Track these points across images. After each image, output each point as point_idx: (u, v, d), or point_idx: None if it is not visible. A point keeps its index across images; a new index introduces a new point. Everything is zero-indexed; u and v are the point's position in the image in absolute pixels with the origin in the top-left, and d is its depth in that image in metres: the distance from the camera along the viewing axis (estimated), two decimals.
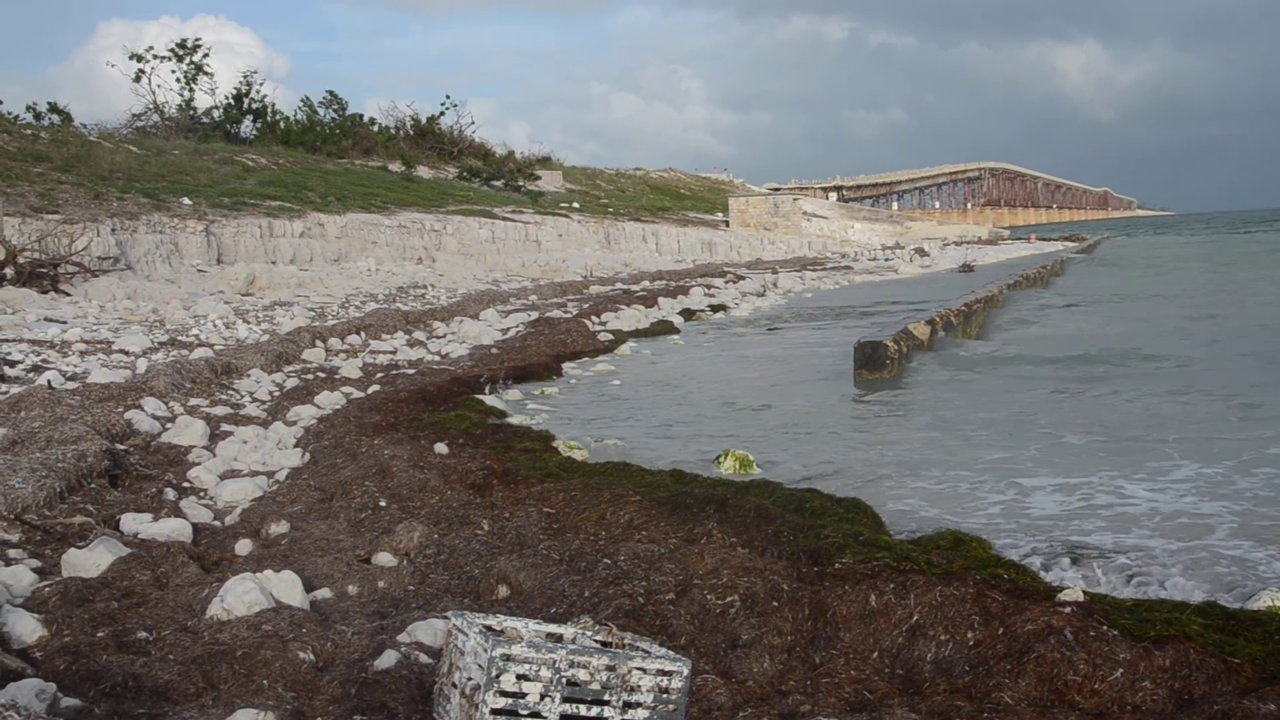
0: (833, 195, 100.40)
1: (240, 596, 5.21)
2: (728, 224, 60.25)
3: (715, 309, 25.92)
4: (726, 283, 33.42)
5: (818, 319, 24.15)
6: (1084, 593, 5.05)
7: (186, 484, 8.28)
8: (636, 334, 20.23)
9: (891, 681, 4.58)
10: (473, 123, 62.41)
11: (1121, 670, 4.29)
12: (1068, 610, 4.68)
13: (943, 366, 15.39)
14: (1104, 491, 8.01)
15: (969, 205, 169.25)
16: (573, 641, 4.10)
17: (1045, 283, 35.18)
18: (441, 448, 8.86)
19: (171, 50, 45.47)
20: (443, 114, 59.79)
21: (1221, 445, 9.39)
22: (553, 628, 4.22)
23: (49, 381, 11.07)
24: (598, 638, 4.15)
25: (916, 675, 4.58)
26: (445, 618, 4.59)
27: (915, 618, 4.79)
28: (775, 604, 5.09)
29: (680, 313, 24.10)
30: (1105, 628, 4.50)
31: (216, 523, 7.41)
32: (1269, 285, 30.59)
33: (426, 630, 4.93)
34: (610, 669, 3.85)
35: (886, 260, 51.32)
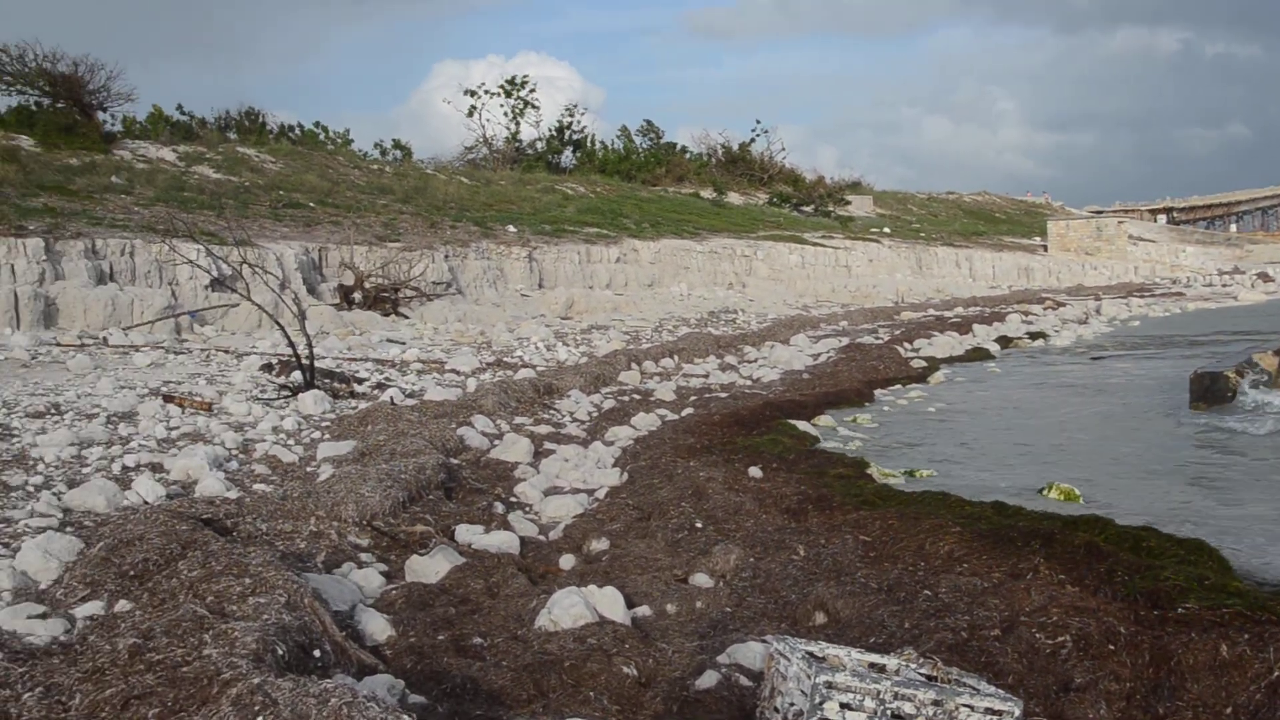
0: (1161, 218, 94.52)
1: (566, 609, 5.40)
2: (1045, 249, 57.84)
3: (1033, 336, 24.91)
4: (1045, 309, 32.07)
5: (1146, 348, 22.79)
6: None
7: (513, 498, 8.68)
8: (950, 361, 19.73)
9: None
10: (783, 149, 62.81)
11: None
12: None
13: None
14: None
15: None
16: (896, 673, 4.02)
17: None
18: (755, 471, 8.91)
19: (501, 86, 48.29)
20: (753, 141, 60.40)
21: None
22: (875, 658, 4.15)
23: (391, 398, 11.90)
24: (922, 671, 4.05)
25: None
26: (765, 641, 4.60)
27: (1276, 674, 4.41)
28: (1111, 647, 4.81)
29: (996, 339, 23.32)
30: None
31: (541, 537, 7.72)
32: None
33: (746, 653, 4.95)
34: (936, 704, 3.74)
35: (1224, 286, 47.94)
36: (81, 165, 24.38)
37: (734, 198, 50.91)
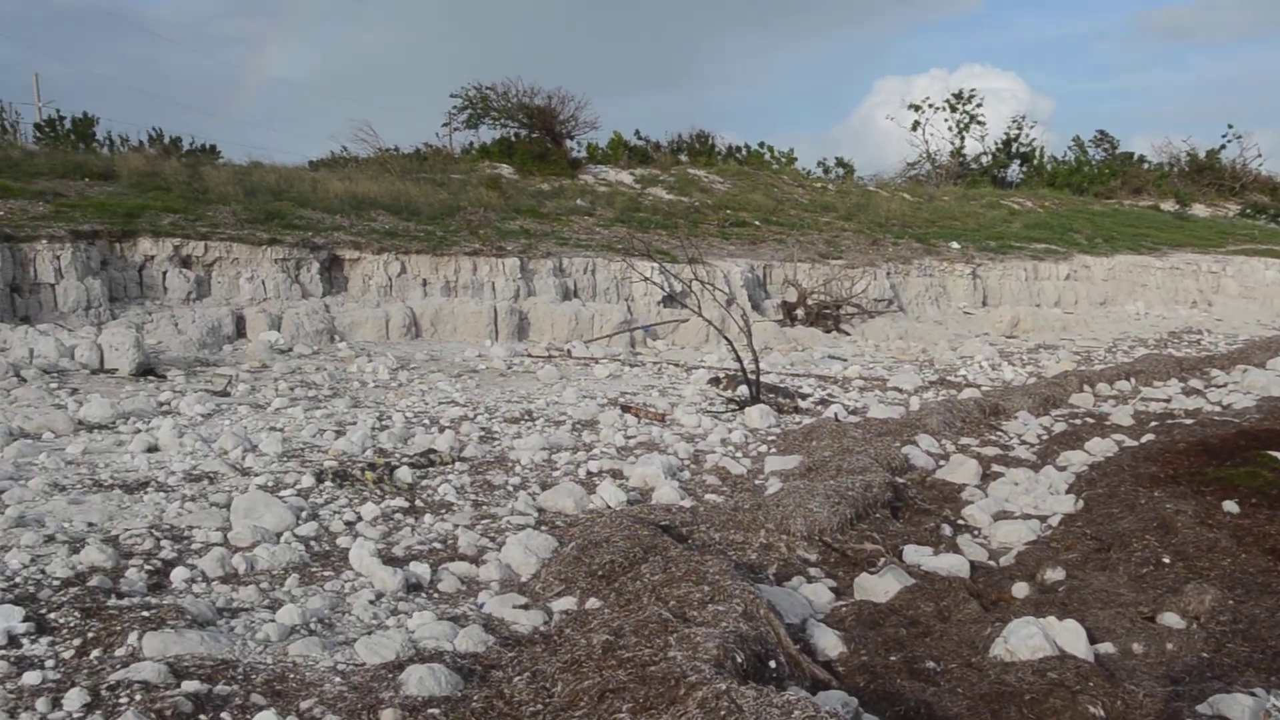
0: None
1: (1024, 640, 5.19)
2: None
3: None
4: None
5: None
6: None
7: (961, 521, 8.47)
8: None
9: None
10: (1258, 155, 57.27)
11: None
12: None
13: None
14: None
15: None
16: None
17: None
18: (1231, 506, 8.19)
19: (947, 101, 47.66)
20: (1223, 148, 55.53)
21: None
22: None
23: (835, 414, 11.98)
24: None
25: None
26: (1255, 695, 4.21)
27: None
28: None
29: None
30: None
31: (991, 562, 7.48)
32: None
33: (1231, 705, 4.54)
34: None
35: None
36: (551, 190, 26.40)
37: (1199, 209, 47.12)
